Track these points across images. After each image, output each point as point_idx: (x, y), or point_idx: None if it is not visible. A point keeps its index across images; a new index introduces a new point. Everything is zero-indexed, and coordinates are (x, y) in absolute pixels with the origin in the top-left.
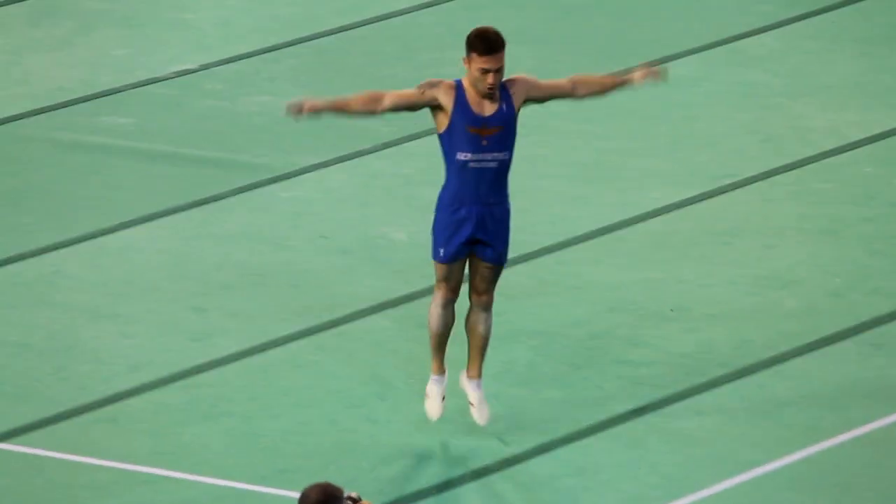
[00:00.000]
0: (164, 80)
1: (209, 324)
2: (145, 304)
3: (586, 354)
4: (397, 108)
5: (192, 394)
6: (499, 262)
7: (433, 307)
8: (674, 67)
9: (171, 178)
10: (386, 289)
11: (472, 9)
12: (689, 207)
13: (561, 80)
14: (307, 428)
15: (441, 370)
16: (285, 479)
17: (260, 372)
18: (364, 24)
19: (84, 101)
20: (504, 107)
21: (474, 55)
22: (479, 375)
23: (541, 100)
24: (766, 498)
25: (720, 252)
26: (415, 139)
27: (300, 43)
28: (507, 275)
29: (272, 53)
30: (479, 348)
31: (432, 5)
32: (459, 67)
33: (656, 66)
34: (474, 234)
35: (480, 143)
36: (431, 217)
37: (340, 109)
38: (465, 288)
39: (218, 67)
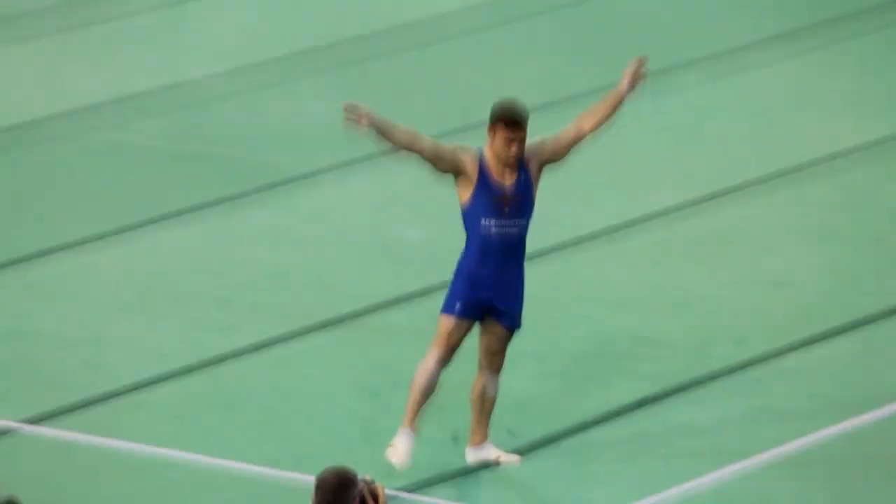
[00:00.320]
0: (191, 84)
1: (233, 317)
2: (172, 298)
3: (591, 350)
4: (429, 155)
5: (216, 383)
6: (515, 325)
7: (427, 363)
8: (677, 77)
9: (197, 179)
10: (402, 285)
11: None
12: (690, 210)
13: (566, 130)
14: (325, 416)
15: (415, 426)
16: (303, 465)
17: (281, 363)
18: (382, 33)
19: (115, 105)
20: (523, 175)
21: (500, 125)
22: (488, 436)
23: (557, 160)
24: (762, 486)
25: (720, 254)
26: None
27: (322, 49)
28: None
29: (295, 59)
30: (488, 413)
31: (447, 15)
32: (472, 74)
33: (635, 65)
34: (494, 300)
35: (503, 211)
36: (448, 216)
37: (387, 132)
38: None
39: (243, 73)
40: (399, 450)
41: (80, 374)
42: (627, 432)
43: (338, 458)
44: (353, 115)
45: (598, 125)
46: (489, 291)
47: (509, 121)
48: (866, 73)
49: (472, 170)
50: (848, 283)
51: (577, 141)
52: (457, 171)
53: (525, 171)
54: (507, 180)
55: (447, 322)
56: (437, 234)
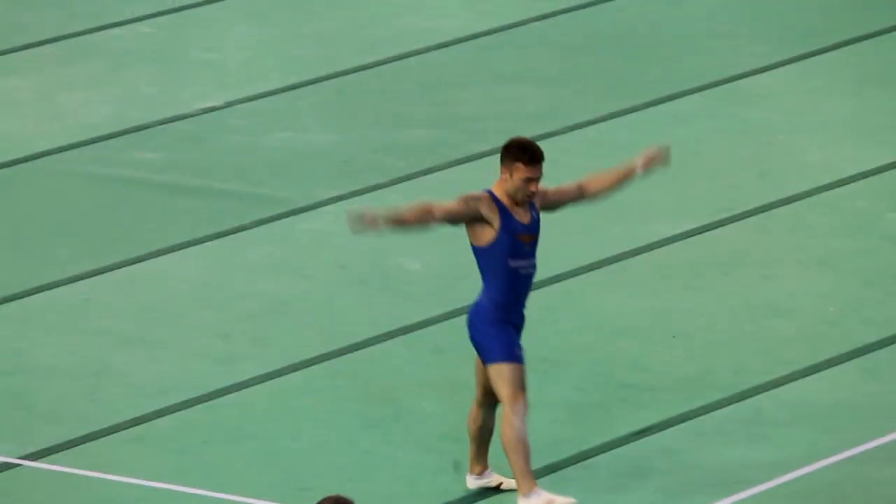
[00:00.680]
0: (190, 116)
1: (233, 349)
2: (172, 331)
3: (592, 379)
4: (447, 221)
5: (217, 415)
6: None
7: (517, 421)
8: (677, 105)
9: (196, 211)
10: (401, 316)
11: (483, 49)
12: (690, 239)
13: (569, 184)
14: (326, 448)
15: (534, 478)
16: (305, 497)
17: (281, 395)
18: (381, 63)
19: (114, 137)
20: (534, 213)
21: (520, 165)
22: (488, 465)
23: (552, 207)
24: None
25: (720, 281)
26: (428, 174)
27: (320, 81)
28: None
29: (294, 91)
30: (487, 442)
31: (445, 45)
32: (473, 103)
33: (655, 151)
34: (518, 340)
35: (525, 250)
36: (445, 247)
37: (399, 222)
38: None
39: (242, 104)
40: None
41: (81, 408)
42: (628, 461)
43: (339, 488)
44: (361, 223)
45: (602, 193)
46: (518, 332)
47: (530, 159)
48: (865, 101)
49: (491, 212)
50: (849, 311)
51: (577, 199)
52: (474, 219)
53: (535, 210)
54: (524, 218)
55: (515, 370)
56: (436, 264)
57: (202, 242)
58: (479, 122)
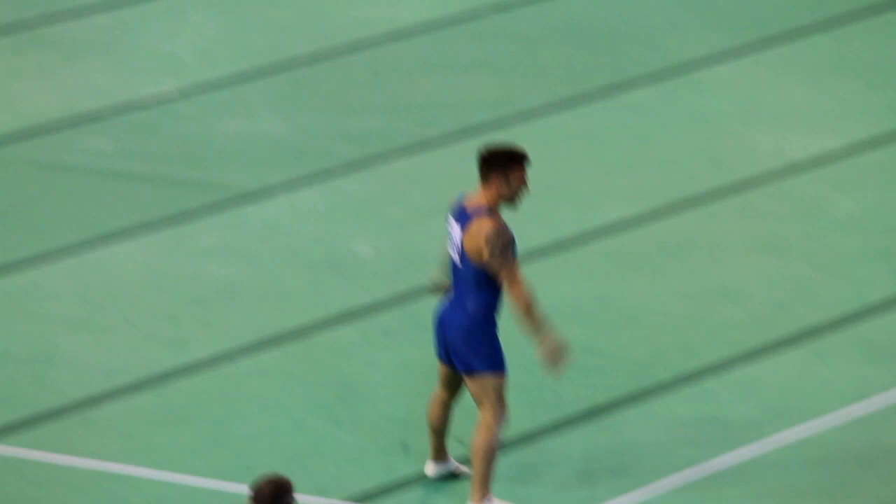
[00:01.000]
0: (142, 104)
1: (183, 334)
2: (121, 315)
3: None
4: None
5: (165, 399)
6: None
7: (498, 431)
8: (630, 94)
9: (147, 197)
10: (351, 301)
11: (437, 39)
12: (641, 224)
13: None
14: (274, 430)
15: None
16: (252, 478)
17: (230, 379)
18: (335, 52)
19: (66, 125)
20: None
21: (520, 168)
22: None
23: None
24: (712, 495)
25: (670, 266)
26: (379, 160)
27: (273, 70)
28: None
29: (246, 79)
30: (447, 431)
31: (399, 35)
32: (428, 93)
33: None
34: None
35: None
36: (396, 234)
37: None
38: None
39: (194, 93)
40: None
41: (29, 391)
42: (578, 443)
43: (287, 470)
44: (559, 367)
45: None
46: None
47: (523, 160)
48: (816, 90)
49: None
50: (796, 294)
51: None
52: None
53: None
54: None
55: (500, 382)
56: (386, 249)
57: (153, 229)
58: (433, 110)
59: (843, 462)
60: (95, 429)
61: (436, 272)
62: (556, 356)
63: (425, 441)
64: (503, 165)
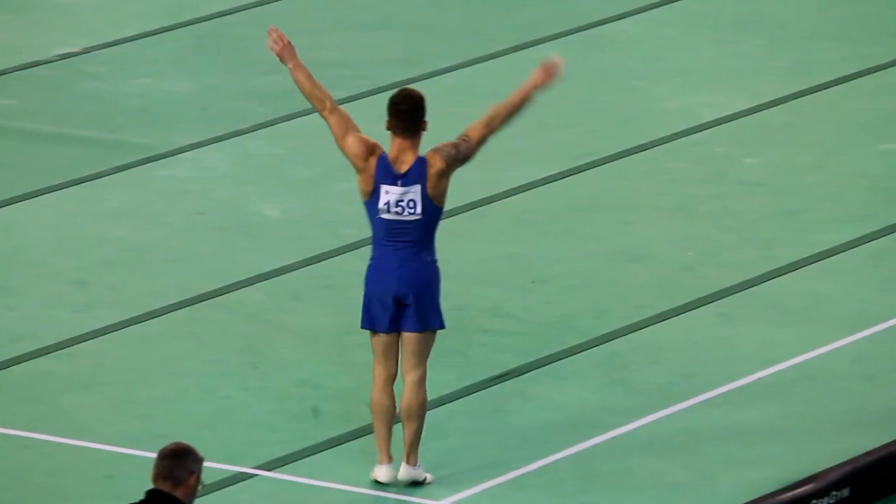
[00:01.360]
0: (47, 62)
1: (90, 297)
2: (28, 278)
3: (450, 324)
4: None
5: (73, 363)
6: None
7: (426, 386)
8: (537, 51)
9: (53, 157)
10: (260, 263)
11: None
12: (549, 185)
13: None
14: (183, 395)
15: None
16: (161, 443)
17: (138, 343)
18: (241, 10)
19: None
20: None
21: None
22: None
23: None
24: (621, 458)
25: (579, 227)
26: (288, 120)
27: (180, 27)
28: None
29: (153, 37)
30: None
31: None
32: (337, 50)
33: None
34: None
35: None
36: (305, 194)
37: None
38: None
39: (100, 51)
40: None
41: None
42: (486, 405)
43: (196, 436)
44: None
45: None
46: None
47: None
48: (723, 48)
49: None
50: (705, 257)
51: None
52: (447, 176)
53: None
54: None
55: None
56: (294, 211)
57: (58, 189)
58: (342, 68)
59: (751, 428)
60: (3, 395)
61: None
62: (549, 73)
63: (335, 406)
64: (423, 116)
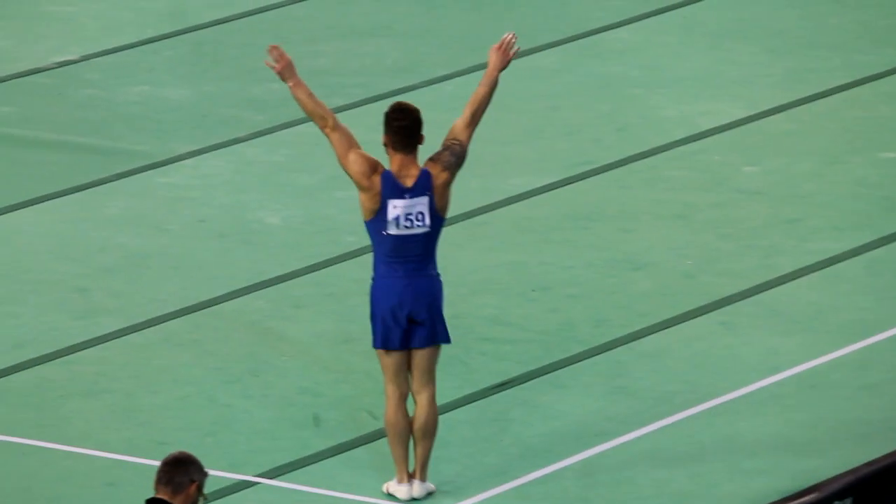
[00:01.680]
0: (45, 70)
1: (91, 304)
2: (29, 286)
3: (452, 332)
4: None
5: (74, 370)
6: None
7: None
8: (535, 59)
9: (53, 165)
10: (260, 270)
11: (342, 4)
12: (549, 193)
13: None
14: (185, 403)
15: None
16: (163, 452)
17: (140, 350)
18: (239, 17)
19: None
20: None
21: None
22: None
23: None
24: (624, 467)
25: (579, 236)
26: (286, 128)
27: (177, 35)
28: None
29: (150, 45)
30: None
31: (303, 0)
32: (333, 58)
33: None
34: None
35: None
36: (305, 201)
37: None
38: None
39: (98, 58)
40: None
41: None
42: (488, 414)
43: (198, 443)
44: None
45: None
46: None
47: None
48: (721, 55)
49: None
50: (705, 265)
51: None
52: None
53: None
54: None
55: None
56: (295, 218)
57: (58, 196)
58: (337, 76)
59: (754, 437)
60: (5, 402)
61: None
62: (505, 53)
63: (337, 414)
64: (421, 129)
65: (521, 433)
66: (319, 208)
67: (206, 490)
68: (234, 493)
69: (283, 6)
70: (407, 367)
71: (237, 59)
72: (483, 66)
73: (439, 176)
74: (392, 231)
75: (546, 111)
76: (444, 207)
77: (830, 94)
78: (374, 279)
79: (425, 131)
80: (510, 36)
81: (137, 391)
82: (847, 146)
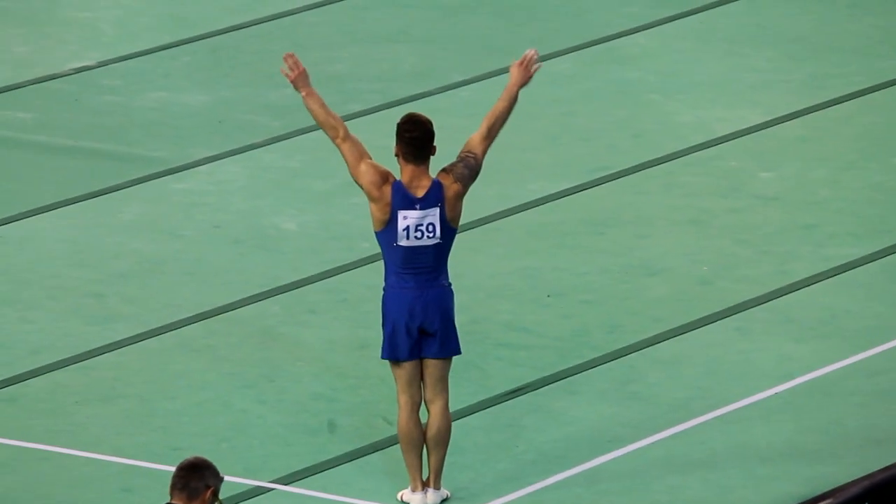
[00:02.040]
0: (63, 76)
1: (107, 309)
2: (45, 291)
3: (467, 338)
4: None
5: (90, 376)
6: None
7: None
8: (551, 66)
9: (70, 171)
10: (275, 276)
11: (358, 9)
12: (564, 199)
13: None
14: (200, 408)
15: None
16: (179, 457)
17: (155, 355)
18: (255, 24)
19: None
20: None
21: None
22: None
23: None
24: (638, 474)
25: (594, 241)
26: (302, 134)
27: (194, 41)
28: None
29: (167, 51)
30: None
31: (320, 6)
32: (349, 64)
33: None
34: None
35: None
36: (320, 207)
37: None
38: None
39: (115, 64)
40: None
41: None
42: (502, 420)
43: (213, 449)
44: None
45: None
46: None
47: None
48: (737, 61)
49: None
50: (721, 271)
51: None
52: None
53: None
54: None
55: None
56: (310, 224)
57: (74, 202)
58: (354, 82)
59: (767, 443)
60: (20, 407)
61: None
62: (527, 69)
63: (351, 420)
64: (432, 142)
65: (535, 439)
66: (335, 214)
67: (222, 495)
68: (249, 498)
69: (300, 12)
70: (420, 376)
71: (254, 65)
72: (500, 72)
73: (451, 187)
74: (402, 242)
75: (562, 117)
76: (456, 219)
77: (847, 100)
78: (385, 289)
79: (441, 137)
80: (532, 52)
81: (152, 397)
82: (863, 152)
